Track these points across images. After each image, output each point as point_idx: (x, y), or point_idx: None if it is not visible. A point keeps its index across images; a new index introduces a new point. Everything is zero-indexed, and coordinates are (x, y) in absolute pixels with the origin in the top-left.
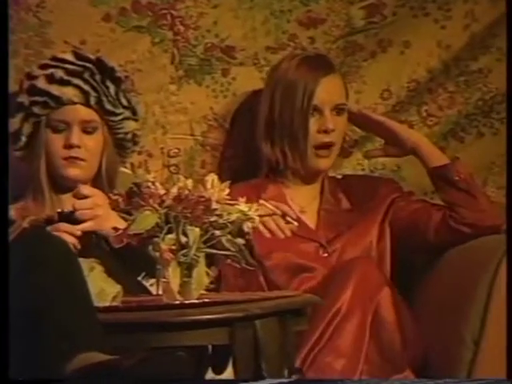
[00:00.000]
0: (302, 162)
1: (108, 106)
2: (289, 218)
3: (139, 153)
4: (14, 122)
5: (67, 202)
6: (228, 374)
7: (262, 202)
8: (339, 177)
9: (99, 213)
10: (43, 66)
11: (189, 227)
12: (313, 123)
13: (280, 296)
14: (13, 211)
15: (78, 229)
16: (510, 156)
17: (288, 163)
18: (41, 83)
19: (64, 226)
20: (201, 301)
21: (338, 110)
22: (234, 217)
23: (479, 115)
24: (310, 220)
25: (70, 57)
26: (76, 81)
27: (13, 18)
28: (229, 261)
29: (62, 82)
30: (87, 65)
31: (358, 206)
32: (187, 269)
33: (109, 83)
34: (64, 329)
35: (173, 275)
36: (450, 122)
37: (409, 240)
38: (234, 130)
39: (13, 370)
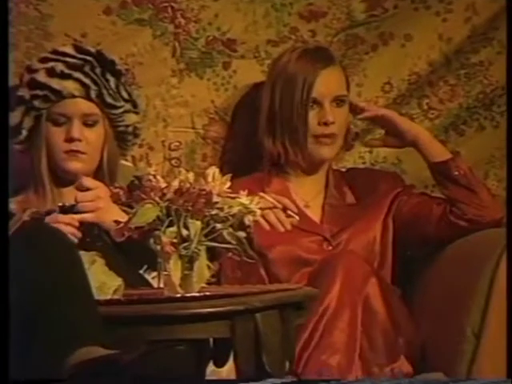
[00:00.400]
0: (302, 155)
1: (108, 99)
2: (289, 212)
3: (140, 146)
4: (15, 116)
5: (68, 196)
6: (229, 367)
7: (262, 194)
8: (343, 170)
9: (101, 205)
10: (43, 60)
11: (190, 220)
12: (313, 116)
13: (281, 289)
14: (14, 204)
15: (77, 219)
16: (510, 149)
17: (289, 157)
18: (41, 77)
19: (62, 216)
20: (202, 294)
21: (339, 101)
22: (235, 210)
23: (480, 108)
24: (315, 214)
25: (70, 50)
26: (76, 74)
27: (13, 11)
28: (230, 254)
29: (63, 76)
30: (87, 58)
31: (363, 200)
32: (188, 262)
33: (109, 76)
34: (65, 322)
35: (174, 268)
36: (450, 114)
37: (410, 234)
38: (235, 123)
39: (13, 369)
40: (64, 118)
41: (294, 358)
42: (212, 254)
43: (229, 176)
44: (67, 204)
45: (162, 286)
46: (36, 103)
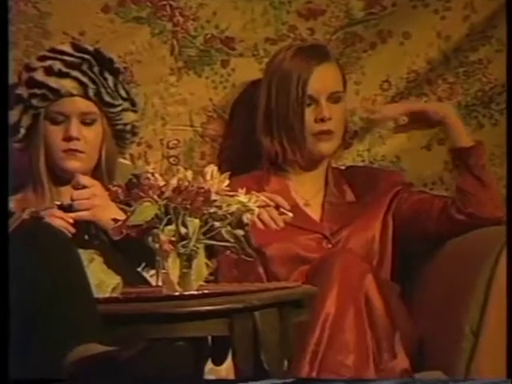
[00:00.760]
0: (301, 153)
1: (107, 98)
2: (282, 209)
3: (138, 144)
4: (13, 115)
5: (66, 194)
6: (227, 365)
7: (254, 193)
8: (342, 168)
9: (97, 203)
10: (41, 58)
11: (188, 218)
12: (309, 113)
13: (279, 287)
14: (12, 203)
15: (73, 217)
16: (510, 147)
17: (287, 156)
18: (39, 75)
19: (57, 212)
20: (200, 292)
21: (335, 98)
22: (233, 208)
23: (479, 106)
24: (315, 212)
25: (68, 48)
26: (74, 73)
27: (12, 9)
28: (228, 252)
29: (61, 75)
30: (85, 56)
31: (362, 198)
32: (187, 260)
33: (107, 75)
34: (63, 320)
35: (172, 266)
36: None
37: (410, 230)
38: (234, 121)
39: (13, 369)
40: (62, 116)
41: (292, 356)
42: (210, 252)
43: (227, 174)
44: (65, 203)
45: (160, 284)
46: (34, 102)
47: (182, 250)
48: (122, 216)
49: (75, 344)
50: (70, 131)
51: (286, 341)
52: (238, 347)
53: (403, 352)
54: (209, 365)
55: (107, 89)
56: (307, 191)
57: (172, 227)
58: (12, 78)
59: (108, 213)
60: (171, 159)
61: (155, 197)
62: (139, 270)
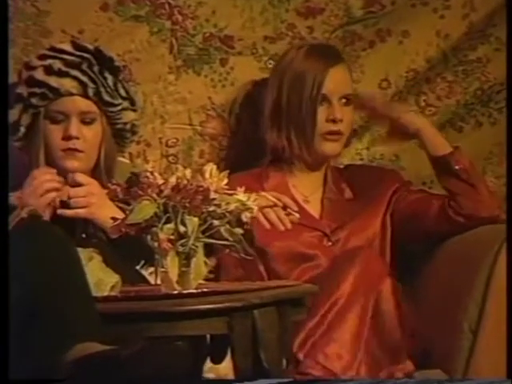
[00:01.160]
0: (308, 150)
1: (106, 97)
2: (290, 210)
3: (137, 142)
4: (13, 113)
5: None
6: (226, 363)
7: (263, 193)
8: (341, 166)
9: (93, 201)
10: (41, 57)
11: (187, 217)
12: (321, 112)
13: (279, 286)
14: (12, 200)
15: (70, 214)
16: (510, 146)
17: (294, 151)
18: (39, 74)
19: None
20: (199, 290)
21: (346, 100)
22: (232, 206)
23: (477, 105)
24: (314, 209)
25: (68, 47)
26: (74, 72)
27: (11, 7)
28: (227, 251)
29: (61, 74)
30: (85, 55)
31: (361, 197)
32: (186, 258)
33: (107, 74)
34: (62, 319)
35: (171, 265)
36: (448, 111)
37: (408, 229)
38: (233, 119)
39: (13, 369)
40: (62, 115)
41: (291, 354)
42: (209, 251)
43: (226, 173)
44: (63, 199)
45: (159, 282)
46: (34, 101)
47: (180, 249)
48: (120, 214)
49: (73, 343)
50: (69, 130)
51: (285, 339)
52: (237, 346)
53: (409, 356)
54: (208, 363)
55: (107, 88)
56: (306, 188)
57: (171, 226)
58: (11, 77)
59: (105, 211)
60: (170, 158)
61: (154, 195)
62: (138, 268)
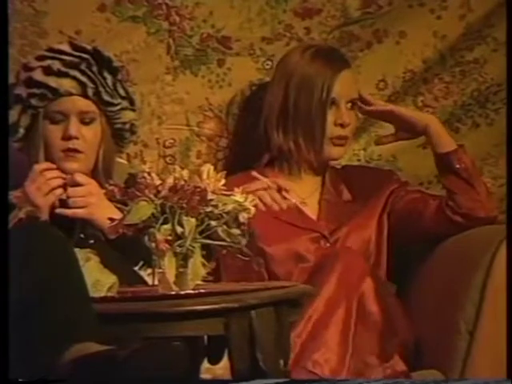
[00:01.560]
0: (315, 152)
1: (106, 97)
2: (285, 193)
3: (135, 143)
4: (12, 115)
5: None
6: (223, 364)
7: (254, 174)
8: (338, 167)
9: (92, 201)
10: (40, 58)
11: (184, 217)
12: (329, 116)
13: (276, 286)
14: (12, 199)
15: (69, 213)
16: (509, 146)
17: (302, 153)
18: (38, 75)
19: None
20: (196, 291)
21: (352, 104)
22: (229, 207)
23: (475, 106)
24: (312, 211)
25: (66, 48)
26: (73, 72)
27: (8, 8)
28: (224, 251)
29: (60, 74)
30: (84, 56)
31: (359, 198)
32: (183, 259)
33: (106, 74)
34: (60, 319)
35: (168, 266)
36: (445, 112)
37: (405, 229)
38: (230, 120)
39: (13, 369)
40: (61, 115)
41: (288, 355)
42: (207, 252)
43: (223, 173)
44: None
45: (156, 283)
46: (33, 101)
47: (178, 250)
48: (118, 215)
49: (71, 343)
50: (69, 130)
51: (283, 340)
52: (234, 346)
53: (399, 355)
54: (205, 364)
55: (106, 88)
56: (304, 190)
57: (168, 226)
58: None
59: (104, 211)
60: (167, 158)
61: (151, 196)
62: (135, 269)
